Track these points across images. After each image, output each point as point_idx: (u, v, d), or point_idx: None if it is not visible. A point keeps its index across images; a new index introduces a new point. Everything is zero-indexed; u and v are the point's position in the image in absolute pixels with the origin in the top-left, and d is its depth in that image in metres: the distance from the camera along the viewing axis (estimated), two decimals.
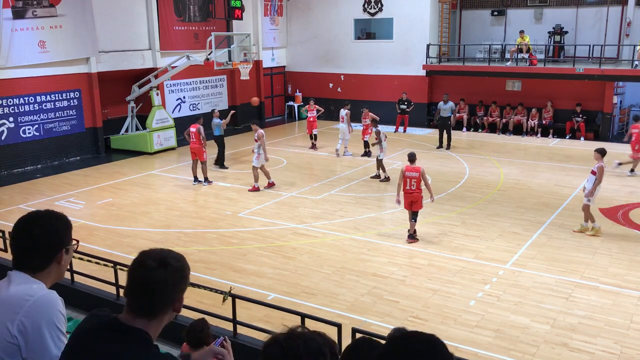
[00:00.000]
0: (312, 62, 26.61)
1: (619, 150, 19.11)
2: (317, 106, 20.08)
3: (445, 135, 19.70)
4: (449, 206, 13.36)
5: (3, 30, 16.37)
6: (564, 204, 13.41)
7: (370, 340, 3.28)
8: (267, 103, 26.66)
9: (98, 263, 8.95)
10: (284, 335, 1.90)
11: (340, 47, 25.73)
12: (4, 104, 16.82)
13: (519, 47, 21.88)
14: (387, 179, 15.40)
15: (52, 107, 18.10)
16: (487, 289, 9.12)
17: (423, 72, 23.81)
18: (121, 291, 8.52)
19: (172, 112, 21.70)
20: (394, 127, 22.81)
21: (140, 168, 17.64)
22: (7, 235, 9.87)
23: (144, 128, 19.79)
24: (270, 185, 14.87)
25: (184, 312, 7.74)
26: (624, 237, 11.32)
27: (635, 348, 7.40)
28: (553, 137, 21.48)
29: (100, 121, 19.45)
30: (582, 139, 21.02)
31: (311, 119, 19.65)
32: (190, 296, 8.33)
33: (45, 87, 17.76)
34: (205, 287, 8.14)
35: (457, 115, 22.36)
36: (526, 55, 21.92)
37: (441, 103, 19.93)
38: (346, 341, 6.67)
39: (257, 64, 24.80)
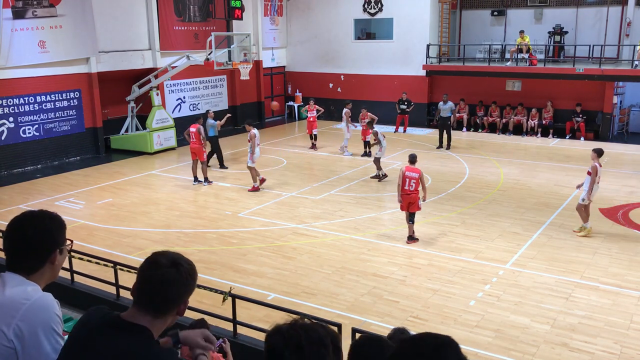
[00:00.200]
0: (312, 62, 26.61)
1: (618, 150, 19.13)
2: (317, 106, 20.08)
3: (445, 135, 19.70)
4: (449, 206, 13.36)
5: (3, 30, 16.37)
6: (564, 204, 13.40)
7: (380, 338, 3.29)
8: (267, 103, 26.67)
9: (98, 263, 8.95)
10: (286, 326, 1.92)
11: (340, 47, 25.74)
12: (4, 104, 16.82)
13: (519, 47, 21.88)
14: (384, 176, 15.40)
15: (52, 107, 18.10)
16: (487, 289, 9.12)
17: (423, 72, 23.81)
18: (121, 291, 8.53)
19: (172, 112, 21.70)
20: (394, 127, 22.81)
21: (140, 168, 17.64)
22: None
23: (144, 128, 19.80)
24: (262, 181, 14.86)
25: (184, 312, 7.74)
26: (624, 237, 11.32)
27: (635, 348, 7.40)
28: (553, 137, 21.48)
29: (100, 121, 19.45)
30: (582, 139, 21.02)
31: (311, 119, 19.65)
32: (191, 296, 8.32)
33: (45, 87, 17.76)
34: (205, 287, 8.13)
35: (457, 115, 22.39)
36: (526, 55, 21.92)
37: (441, 103, 19.94)
38: (346, 341, 6.68)
39: (257, 64, 24.81)
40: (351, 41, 25.51)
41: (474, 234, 11.55)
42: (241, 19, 20.66)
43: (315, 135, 19.82)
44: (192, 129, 15.32)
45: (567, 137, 21.32)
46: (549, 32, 23.06)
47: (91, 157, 19.13)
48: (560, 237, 11.33)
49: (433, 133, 21.42)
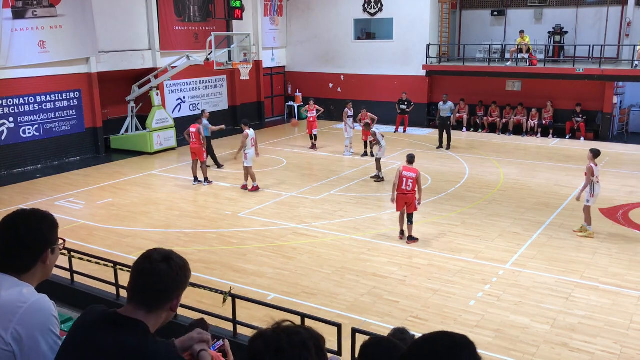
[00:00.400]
0: (312, 62, 26.61)
1: (618, 150, 19.13)
2: (317, 106, 20.08)
3: (445, 136, 19.70)
4: (449, 206, 13.36)
5: (3, 30, 16.37)
6: (564, 204, 13.40)
7: (390, 339, 3.30)
8: (267, 103, 26.68)
9: (98, 263, 8.95)
10: (269, 330, 1.91)
11: (340, 47, 25.74)
12: (4, 104, 16.83)
13: (519, 47, 21.88)
14: (381, 179, 15.39)
15: (52, 107, 18.10)
16: (487, 289, 9.12)
17: (423, 72, 23.81)
18: (121, 291, 8.53)
19: (172, 112, 21.70)
20: (394, 127, 22.82)
21: (140, 168, 17.64)
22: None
23: (144, 128, 19.80)
24: (244, 187, 14.87)
25: (184, 312, 7.75)
26: (624, 237, 11.32)
27: (635, 348, 7.40)
28: (553, 137, 21.48)
29: (100, 121, 19.45)
30: (582, 139, 21.02)
31: (311, 119, 19.65)
32: (190, 296, 8.34)
33: (45, 87, 17.76)
34: (205, 287, 8.13)
35: (457, 115, 22.39)
36: (526, 56, 21.92)
37: (441, 103, 19.94)
38: (346, 341, 6.68)
39: (257, 64, 24.81)
40: (351, 41, 25.51)
41: (474, 234, 11.55)
42: (241, 19, 20.66)
43: (315, 135, 19.82)
44: (192, 129, 15.32)
45: (567, 137, 21.32)
46: (549, 32, 23.07)
47: (91, 157, 19.13)
48: (560, 237, 11.33)
49: (433, 133, 21.42)
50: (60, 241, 2.65)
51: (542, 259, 10.28)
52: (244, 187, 14.85)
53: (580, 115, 21.07)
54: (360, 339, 6.43)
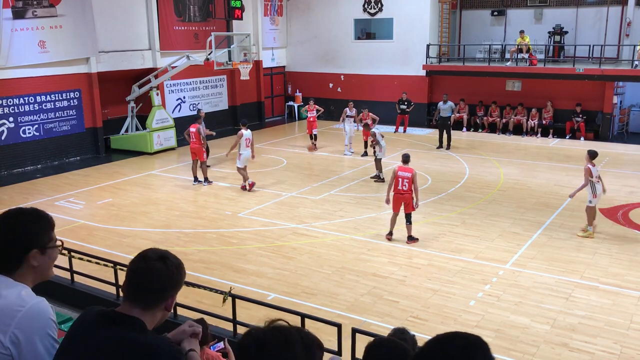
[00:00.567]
0: (312, 62, 26.61)
1: (618, 150, 19.14)
2: (317, 106, 20.09)
3: (445, 135, 19.70)
4: (449, 206, 13.36)
5: (3, 30, 16.37)
6: (564, 204, 13.40)
7: (395, 341, 3.32)
8: (267, 103, 26.68)
9: (98, 263, 8.95)
10: (259, 328, 1.93)
11: (340, 47, 25.74)
12: (4, 104, 16.82)
13: (519, 47, 21.88)
14: (382, 180, 15.39)
15: (52, 107, 18.10)
16: (487, 289, 9.12)
17: (423, 72, 23.81)
18: (121, 291, 8.52)
19: (172, 112, 21.70)
20: (394, 127, 22.82)
21: (140, 168, 17.64)
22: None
23: (144, 128, 19.79)
24: (244, 187, 14.85)
25: (184, 312, 7.76)
26: (624, 237, 11.32)
27: (635, 348, 7.40)
28: (553, 137, 21.48)
29: (100, 121, 19.45)
30: (582, 139, 21.02)
31: (311, 119, 19.66)
32: (190, 296, 8.34)
33: (45, 87, 17.76)
34: (205, 287, 8.14)
35: (457, 115, 22.39)
36: (526, 55, 21.92)
37: (440, 103, 19.94)
38: (346, 341, 6.68)
39: (257, 64, 24.81)
40: (351, 41, 25.51)
41: (474, 234, 11.55)
42: (241, 19, 20.66)
43: (315, 135, 19.82)
44: (192, 129, 15.32)
45: (567, 137, 21.32)
46: (549, 32, 23.07)
47: (91, 157, 19.13)
48: (560, 237, 11.33)
49: (433, 133, 21.42)
50: (58, 242, 2.60)
51: (542, 259, 10.28)
52: (244, 188, 14.85)
53: (580, 115, 21.07)
54: (360, 339, 6.44)
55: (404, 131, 22.86)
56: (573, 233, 11.48)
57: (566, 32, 22.89)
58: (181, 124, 20.06)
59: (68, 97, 18.53)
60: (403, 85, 23.88)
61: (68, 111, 18.58)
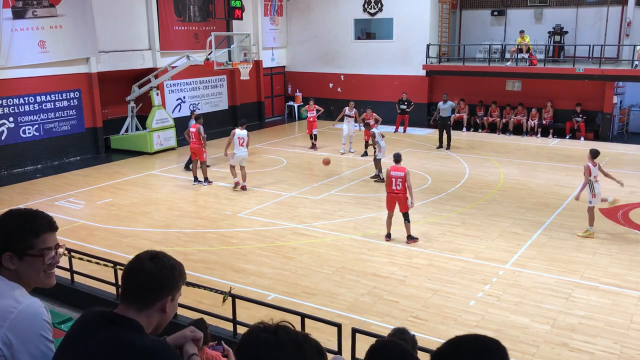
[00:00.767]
0: (312, 62, 26.61)
1: (618, 150, 19.14)
2: (317, 106, 20.09)
3: (445, 135, 19.70)
4: (449, 206, 13.36)
5: (3, 30, 16.37)
6: (564, 204, 13.40)
7: (398, 342, 3.33)
8: (267, 103, 26.68)
9: (98, 263, 8.95)
10: (259, 327, 1.92)
11: (340, 47, 25.74)
12: (4, 104, 16.82)
13: (519, 47, 21.88)
14: (382, 180, 15.40)
15: (52, 107, 18.10)
16: (487, 289, 9.12)
17: (423, 72, 23.81)
18: (121, 288, 8.52)
19: (172, 112, 21.70)
20: (394, 127, 22.82)
21: (140, 168, 17.64)
22: None
23: (144, 128, 19.79)
24: (236, 184, 14.88)
25: (184, 312, 7.75)
26: (624, 237, 11.32)
27: (635, 348, 7.40)
28: (553, 137, 21.48)
29: (100, 121, 19.45)
30: (582, 139, 21.02)
31: (311, 119, 19.66)
32: (190, 296, 8.34)
33: (45, 87, 17.76)
34: (205, 287, 8.14)
35: (457, 115, 22.39)
36: (526, 55, 21.92)
37: (440, 103, 19.94)
38: (346, 341, 6.68)
39: (257, 64, 24.81)
40: (351, 41, 25.51)
41: (474, 234, 11.55)
42: (241, 19, 20.66)
43: (315, 135, 19.82)
44: (192, 129, 15.32)
45: (567, 137, 21.32)
46: (549, 32, 23.06)
47: (91, 157, 19.13)
48: (560, 237, 11.33)
49: (433, 133, 21.42)
50: (46, 251, 2.45)
51: (542, 259, 10.28)
52: (244, 188, 14.85)
53: (580, 115, 21.07)
54: (360, 339, 6.45)
55: (404, 131, 22.86)
56: (573, 233, 11.48)
57: (566, 32, 22.89)
58: (181, 124, 20.05)
59: (68, 97, 18.53)
60: (403, 85, 23.88)
61: (68, 111, 18.58)
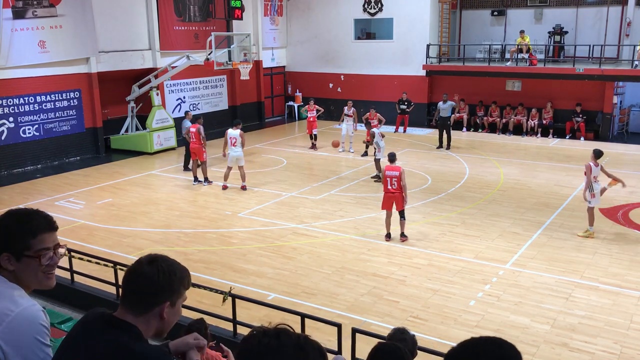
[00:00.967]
0: (312, 62, 26.61)
1: (618, 150, 19.14)
2: (317, 106, 20.09)
3: (445, 135, 19.70)
4: (449, 206, 13.36)
5: (3, 30, 16.37)
6: (564, 204, 13.40)
7: (396, 345, 3.36)
8: (267, 103, 26.68)
9: (98, 263, 8.95)
10: (260, 329, 1.90)
11: (340, 47, 25.73)
12: (4, 104, 16.82)
13: (519, 47, 21.87)
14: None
15: (52, 107, 18.10)
16: (487, 289, 9.12)
17: (423, 72, 23.81)
18: (121, 291, 8.53)
19: (172, 112, 21.69)
20: (394, 127, 22.82)
21: (140, 168, 17.64)
22: None
23: (144, 128, 19.79)
24: (243, 187, 14.89)
25: (184, 312, 7.72)
26: (624, 237, 11.32)
27: (635, 348, 7.40)
28: (553, 137, 21.48)
29: (100, 121, 19.45)
30: (582, 139, 21.02)
31: (311, 119, 19.66)
32: (190, 296, 8.28)
33: (45, 87, 17.76)
34: (205, 287, 8.14)
35: (457, 115, 22.39)
36: (526, 55, 21.92)
37: (440, 103, 19.95)
38: (346, 341, 6.68)
39: (257, 64, 24.80)
40: (351, 41, 25.51)
41: (474, 234, 11.55)
42: (241, 19, 20.66)
43: (315, 135, 19.82)
44: (192, 129, 15.32)
45: (567, 137, 21.31)
46: (549, 32, 23.06)
47: (91, 157, 19.13)
48: (560, 237, 11.33)
49: (433, 133, 21.42)
50: (44, 253, 2.40)
51: (542, 259, 10.28)
52: (243, 188, 14.85)
53: (580, 115, 21.07)
54: (360, 339, 6.45)
55: (404, 131, 22.86)
56: (573, 233, 11.48)
57: (566, 32, 22.89)
58: (181, 124, 20.02)
59: (68, 97, 18.53)
60: (403, 85, 23.88)
61: (68, 111, 18.58)
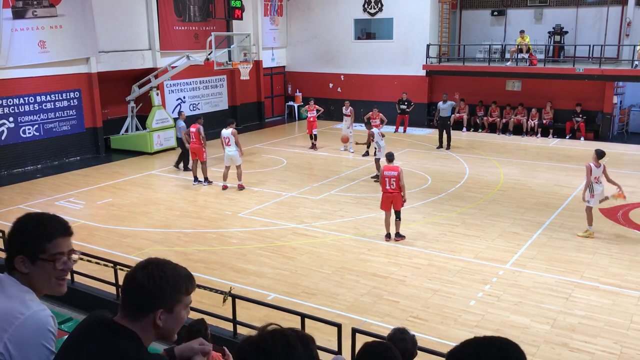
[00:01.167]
0: (312, 62, 26.61)
1: (618, 150, 19.13)
2: (317, 106, 20.10)
3: (445, 135, 19.70)
4: (449, 206, 13.36)
5: (3, 30, 16.37)
6: (564, 204, 13.40)
7: (389, 345, 3.35)
8: (267, 103, 26.68)
9: (98, 263, 8.95)
10: (255, 335, 1.89)
11: (340, 47, 25.73)
12: (4, 104, 16.82)
13: (519, 47, 21.88)
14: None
15: (52, 107, 18.10)
16: (487, 289, 9.12)
17: (423, 72, 23.81)
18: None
19: (172, 112, 21.69)
20: (394, 127, 22.82)
21: (140, 168, 17.64)
22: (6, 236, 9.87)
23: (144, 128, 19.79)
24: (241, 187, 14.90)
25: None
26: (624, 237, 11.32)
27: (635, 348, 7.40)
28: (553, 137, 21.48)
29: (100, 121, 19.45)
30: (582, 139, 21.02)
31: (311, 119, 19.66)
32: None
33: (45, 87, 17.76)
34: (205, 287, 8.14)
35: (457, 115, 22.39)
36: (526, 55, 21.92)
37: (440, 103, 19.95)
38: (346, 341, 6.68)
39: (257, 64, 24.81)
40: (351, 41, 25.51)
41: (474, 234, 11.55)
42: (241, 19, 20.67)
43: (315, 135, 19.83)
44: (192, 129, 15.32)
45: (567, 137, 21.31)
46: (549, 32, 23.06)
47: (91, 157, 19.13)
48: (560, 237, 11.33)
49: (433, 133, 21.42)
50: (58, 257, 2.43)
51: (542, 259, 10.28)
52: (240, 187, 14.85)
53: (580, 115, 21.07)
54: (360, 339, 6.44)
55: (404, 131, 22.86)
56: (573, 233, 11.48)
57: (566, 32, 22.89)
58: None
59: (68, 97, 18.53)
60: (403, 85, 23.88)
61: (68, 111, 18.58)
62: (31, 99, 17.48)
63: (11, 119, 17.04)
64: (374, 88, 24.94)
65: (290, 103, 27.20)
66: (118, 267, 8.45)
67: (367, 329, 7.08)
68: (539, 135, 21.68)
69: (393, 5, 24.09)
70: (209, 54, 18.44)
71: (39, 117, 17.75)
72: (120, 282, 8.35)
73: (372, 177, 15.81)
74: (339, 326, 6.66)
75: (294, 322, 6.57)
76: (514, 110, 22.45)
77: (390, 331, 4.58)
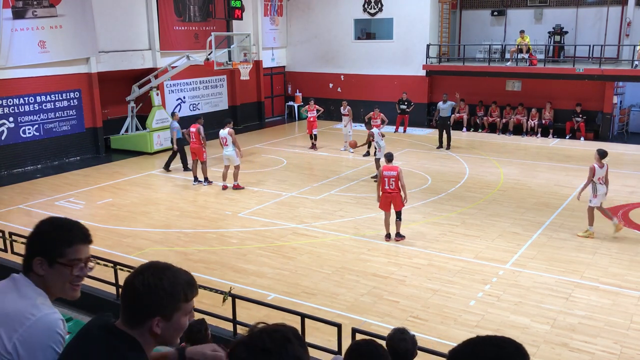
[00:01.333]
0: (312, 62, 26.61)
1: (618, 150, 19.13)
2: (317, 106, 20.10)
3: (445, 135, 19.70)
4: (449, 206, 13.36)
5: (3, 30, 16.37)
6: (564, 204, 13.40)
7: (377, 344, 3.34)
8: (267, 103, 26.68)
9: (98, 263, 8.93)
10: (246, 335, 1.86)
11: (340, 47, 25.73)
12: (4, 104, 16.82)
13: (519, 47, 21.88)
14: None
15: (52, 107, 18.10)
16: (487, 289, 9.12)
17: (423, 72, 23.81)
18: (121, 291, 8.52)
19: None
20: (394, 127, 22.82)
21: (140, 168, 17.64)
22: (6, 235, 9.88)
23: (144, 128, 19.79)
24: (238, 187, 14.91)
25: None
26: (624, 237, 11.31)
27: (635, 348, 7.40)
28: (553, 137, 21.48)
29: (100, 121, 19.45)
30: (582, 139, 21.02)
31: (311, 119, 19.67)
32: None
33: (45, 87, 17.76)
34: (205, 287, 8.13)
35: (457, 115, 22.39)
36: (526, 55, 21.92)
37: (440, 103, 19.95)
38: (346, 341, 6.68)
39: (257, 64, 24.81)
40: (351, 41, 25.51)
41: (474, 234, 11.55)
42: (241, 19, 20.67)
43: (315, 135, 19.83)
44: (192, 129, 15.33)
45: (567, 137, 21.31)
46: (549, 32, 23.06)
47: (91, 157, 19.13)
48: (560, 237, 11.33)
49: (433, 133, 21.42)
50: (76, 262, 2.44)
51: (542, 259, 10.28)
52: (235, 187, 14.84)
53: (580, 115, 21.07)
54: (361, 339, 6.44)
55: (404, 131, 22.86)
56: (573, 233, 11.48)
57: (566, 32, 22.89)
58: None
59: (68, 97, 18.53)
60: (403, 85, 23.88)
61: (68, 111, 18.58)
62: (31, 99, 17.48)
63: (11, 119, 17.04)
64: (374, 88, 24.94)
65: (290, 103, 27.20)
66: (118, 267, 8.45)
67: (367, 329, 7.07)
68: (539, 135, 21.68)
69: (393, 5, 24.09)
70: (209, 54, 18.44)
71: (39, 117, 17.75)
72: (121, 283, 8.40)
73: (372, 177, 15.80)
74: (339, 326, 6.66)
75: (294, 322, 6.57)
76: (514, 110, 22.45)
77: (390, 331, 4.58)
